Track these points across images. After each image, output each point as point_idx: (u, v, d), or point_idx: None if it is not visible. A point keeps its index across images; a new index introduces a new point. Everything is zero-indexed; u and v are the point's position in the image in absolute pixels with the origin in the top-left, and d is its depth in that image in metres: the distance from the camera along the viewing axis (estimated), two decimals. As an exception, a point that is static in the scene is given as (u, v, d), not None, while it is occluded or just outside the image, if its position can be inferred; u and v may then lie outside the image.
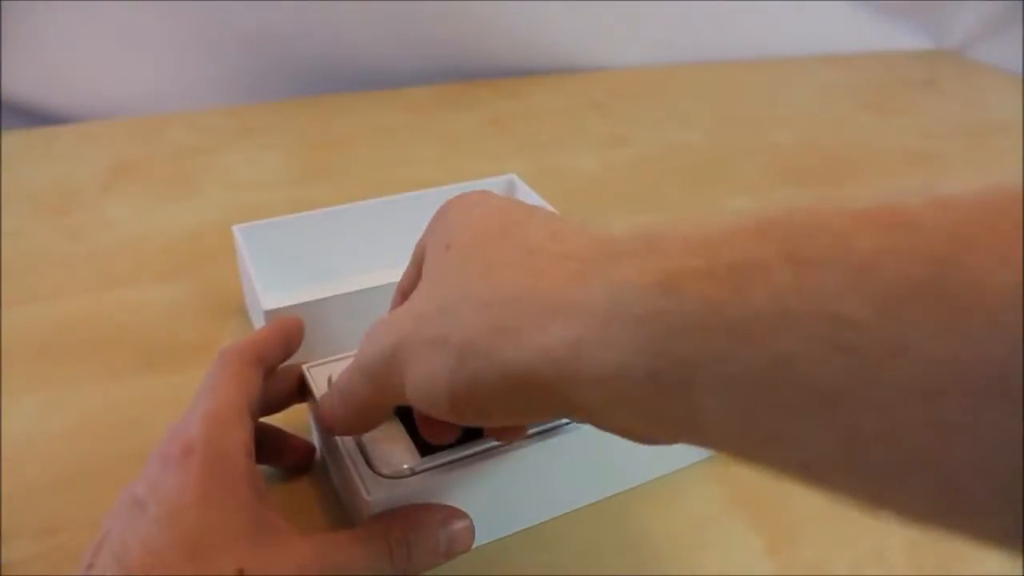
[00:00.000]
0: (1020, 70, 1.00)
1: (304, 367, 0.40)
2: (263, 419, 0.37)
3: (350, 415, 0.31)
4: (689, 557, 0.37)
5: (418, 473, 0.32)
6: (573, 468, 0.37)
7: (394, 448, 0.33)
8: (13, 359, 0.49)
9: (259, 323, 0.47)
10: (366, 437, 0.34)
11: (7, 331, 0.52)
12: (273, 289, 0.50)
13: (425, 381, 0.25)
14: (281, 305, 0.43)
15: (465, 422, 0.26)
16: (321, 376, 0.39)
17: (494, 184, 0.55)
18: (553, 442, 0.34)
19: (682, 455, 0.41)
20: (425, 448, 0.33)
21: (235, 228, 0.50)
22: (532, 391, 0.23)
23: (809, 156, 0.79)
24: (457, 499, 0.33)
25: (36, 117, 0.87)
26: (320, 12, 0.89)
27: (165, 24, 0.87)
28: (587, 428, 0.30)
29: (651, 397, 0.19)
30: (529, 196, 0.53)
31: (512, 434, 0.32)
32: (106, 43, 0.87)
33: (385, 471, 0.32)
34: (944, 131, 0.85)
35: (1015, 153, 0.78)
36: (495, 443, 0.33)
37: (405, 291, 0.32)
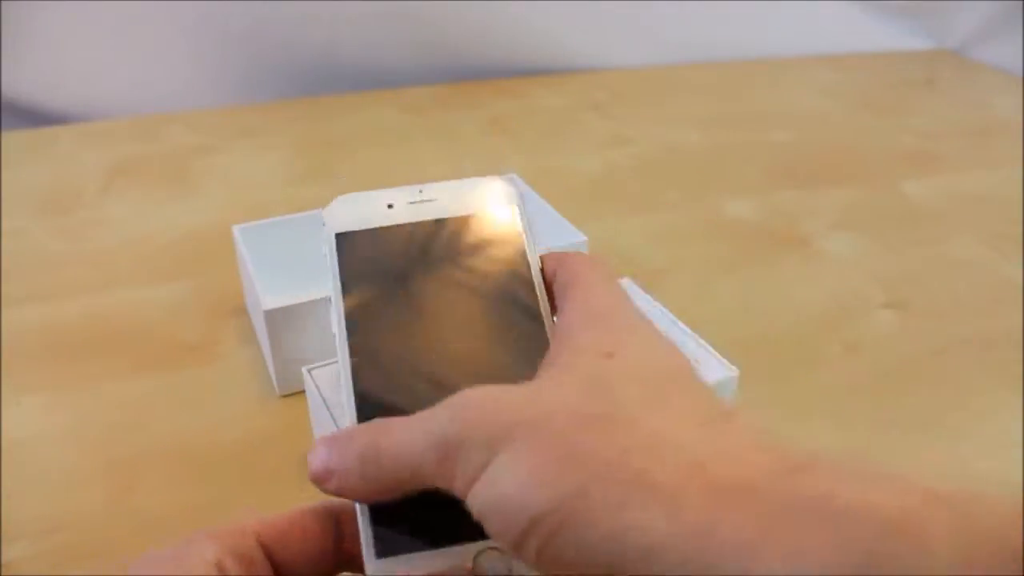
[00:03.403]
0: (1020, 70, 1.00)
1: (304, 369, 0.40)
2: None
3: (380, 481, 0.24)
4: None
5: None
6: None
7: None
8: (13, 359, 0.49)
9: (259, 323, 0.47)
10: None
11: (7, 331, 0.52)
12: (273, 289, 0.50)
13: (520, 497, 0.20)
14: (281, 305, 0.44)
15: (528, 560, 0.21)
16: (323, 378, 0.39)
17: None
18: None
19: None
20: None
21: (235, 228, 0.50)
22: None
23: (809, 156, 0.79)
24: None
25: (36, 117, 0.87)
26: (320, 12, 0.89)
27: (165, 24, 0.87)
28: None
29: None
30: (529, 196, 0.53)
31: None
32: (106, 43, 0.87)
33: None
34: (944, 131, 0.85)
35: (1015, 153, 0.78)
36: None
37: None
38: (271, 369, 0.47)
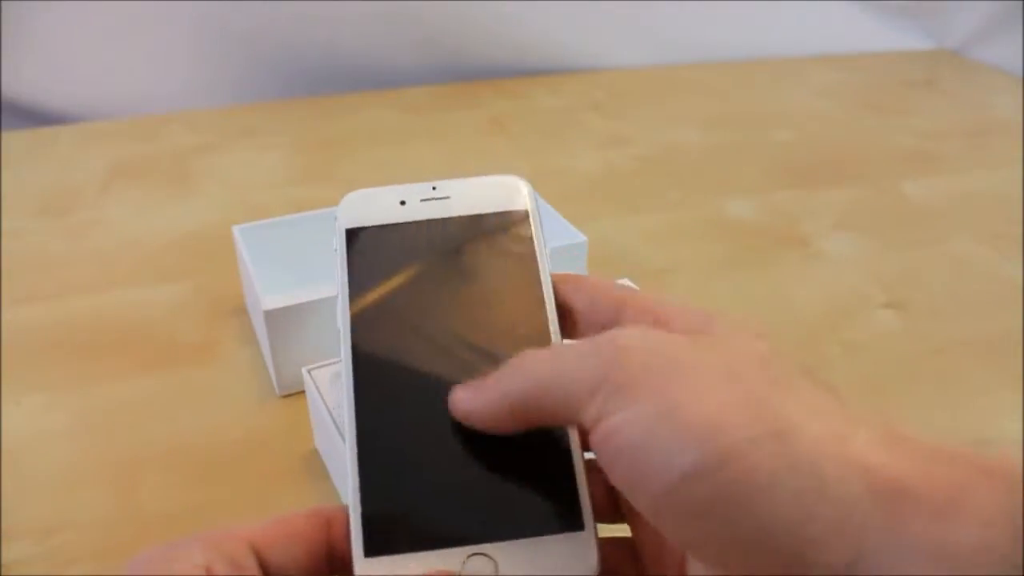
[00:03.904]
0: (1020, 70, 1.00)
1: (304, 369, 0.40)
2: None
3: (499, 410, 0.23)
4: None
5: None
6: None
7: None
8: (13, 359, 0.49)
9: (259, 323, 0.47)
10: None
11: (7, 331, 0.52)
12: (273, 289, 0.50)
13: (659, 455, 0.19)
14: (281, 305, 0.44)
15: (663, 518, 0.20)
16: (323, 378, 0.39)
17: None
18: None
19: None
20: None
21: (235, 228, 0.50)
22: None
23: (809, 156, 0.79)
24: None
25: (36, 117, 0.87)
26: (320, 12, 0.89)
27: (165, 24, 0.87)
28: None
29: None
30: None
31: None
32: (106, 43, 0.87)
33: None
34: (944, 131, 0.85)
35: (1015, 153, 0.78)
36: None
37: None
38: (271, 369, 0.47)
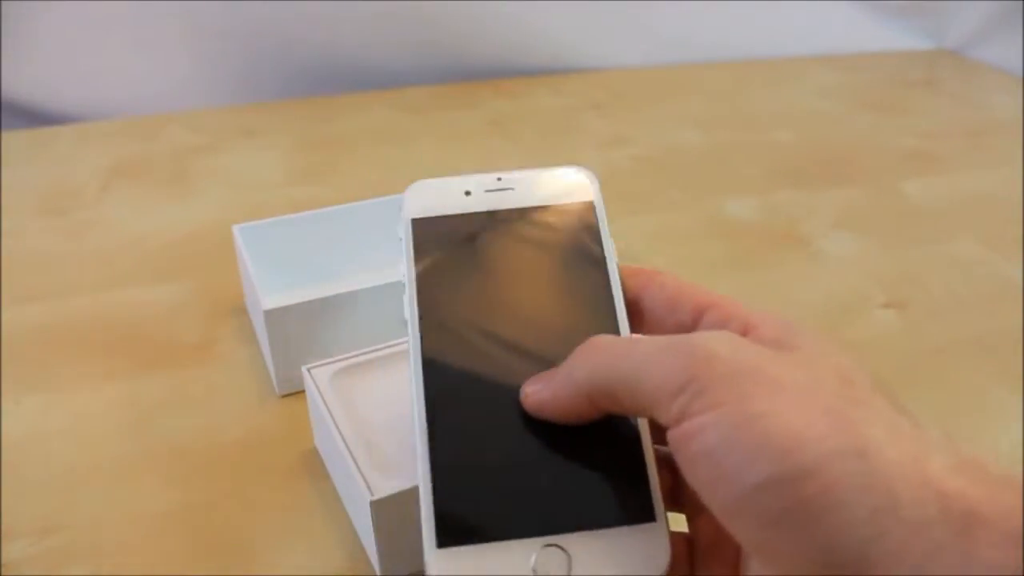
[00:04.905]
0: (1020, 70, 1.00)
1: (304, 369, 0.40)
2: None
3: (571, 401, 0.24)
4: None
5: None
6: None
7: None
8: (13, 359, 0.49)
9: (259, 323, 0.47)
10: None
11: (7, 331, 0.52)
12: (273, 289, 0.50)
13: (728, 464, 0.20)
14: (281, 305, 0.44)
15: (740, 525, 0.20)
16: (323, 378, 0.39)
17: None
18: None
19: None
20: None
21: (235, 228, 0.50)
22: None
23: (809, 156, 0.79)
24: None
25: (36, 117, 0.87)
26: (320, 12, 0.89)
27: (165, 24, 0.87)
28: None
29: None
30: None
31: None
32: (106, 43, 0.87)
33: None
34: (944, 131, 0.85)
35: (1015, 153, 0.78)
36: None
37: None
38: (271, 369, 0.47)
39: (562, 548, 0.23)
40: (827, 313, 0.55)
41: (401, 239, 0.29)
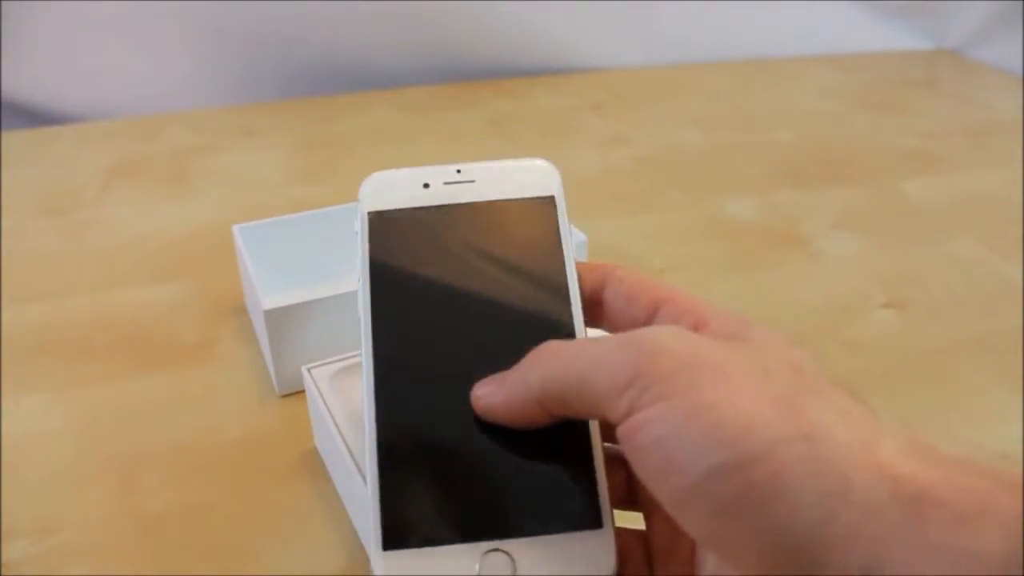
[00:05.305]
0: (1020, 70, 1.00)
1: (304, 369, 0.40)
2: None
3: (523, 405, 0.24)
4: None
5: None
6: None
7: None
8: (13, 359, 0.49)
9: (259, 323, 0.47)
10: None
11: (7, 331, 0.52)
12: (273, 289, 0.50)
13: (678, 456, 0.20)
14: (281, 305, 0.44)
15: (690, 517, 0.20)
16: (323, 378, 0.39)
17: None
18: None
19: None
20: None
21: (235, 228, 0.50)
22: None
23: (809, 156, 0.79)
24: None
25: (36, 117, 0.87)
26: (320, 12, 0.89)
27: (165, 24, 0.87)
28: None
29: None
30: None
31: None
32: (106, 43, 0.87)
33: None
34: (944, 131, 0.85)
35: (1015, 153, 0.78)
36: None
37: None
38: (271, 369, 0.47)
39: (507, 553, 0.23)
40: (827, 313, 0.55)
41: (357, 233, 0.28)
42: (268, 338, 0.44)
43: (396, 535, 0.24)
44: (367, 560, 0.36)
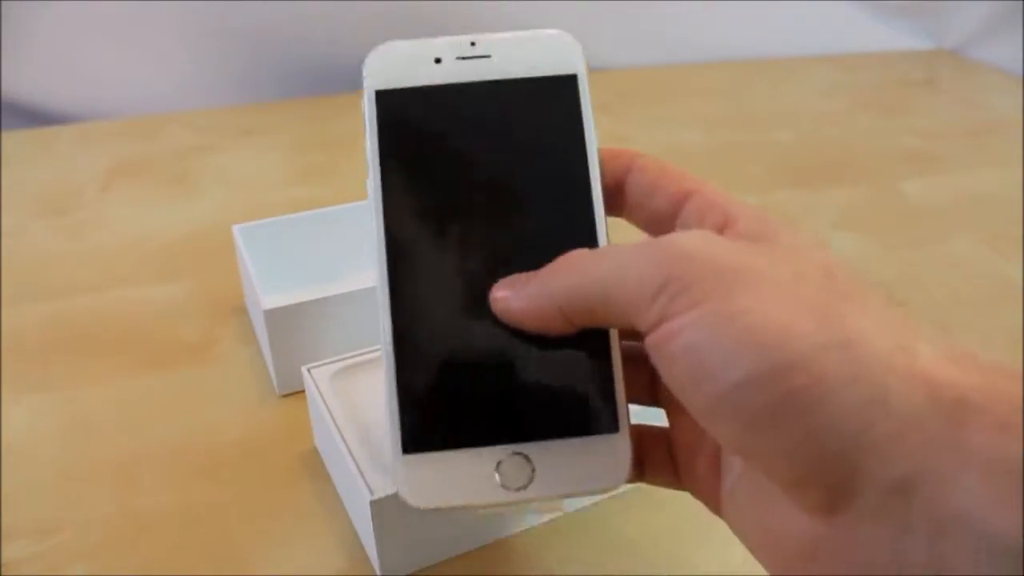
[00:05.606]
0: (1020, 70, 1.00)
1: (304, 369, 0.40)
2: None
3: (544, 311, 0.23)
4: (689, 557, 0.37)
5: None
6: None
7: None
8: (13, 359, 0.49)
9: (259, 323, 0.47)
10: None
11: (7, 331, 0.52)
12: (273, 289, 0.50)
13: (712, 363, 0.19)
14: (281, 305, 0.44)
15: (726, 426, 0.20)
16: (323, 378, 0.39)
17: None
18: None
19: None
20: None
21: (235, 228, 0.50)
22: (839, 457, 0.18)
23: (809, 156, 0.79)
24: None
25: (36, 117, 0.87)
26: (320, 12, 0.89)
27: (165, 24, 0.87)
28: None
29: None
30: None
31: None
32: (106, 43, 0.87)
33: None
34: (944, 131, 0.85)
35: (1015, 153, 0.78)
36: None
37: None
38: (271, 369, 0.47)
39: (525, 456, 0.23)
40: (827, 313, 0.55)
41: (363, 113, 0.26)
42: (268, 338, 0.44)
43: (415, 438, 0.24)
44: (367, 560, 0.36)
